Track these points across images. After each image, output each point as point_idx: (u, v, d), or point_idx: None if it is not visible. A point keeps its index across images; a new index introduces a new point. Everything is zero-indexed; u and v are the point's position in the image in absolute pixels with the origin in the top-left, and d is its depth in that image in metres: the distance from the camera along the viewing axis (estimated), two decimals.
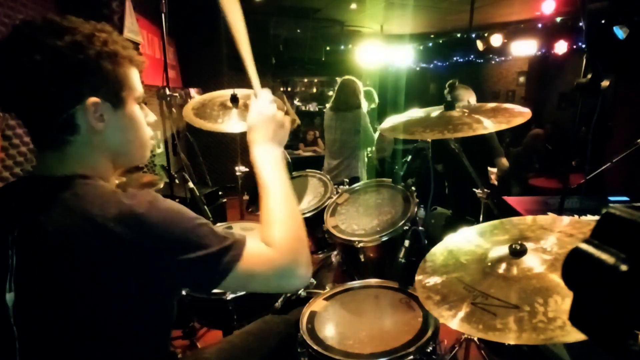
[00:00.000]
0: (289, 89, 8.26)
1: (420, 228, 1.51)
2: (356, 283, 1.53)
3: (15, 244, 0.72)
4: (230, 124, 1.91)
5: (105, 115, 0.80)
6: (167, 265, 0.75)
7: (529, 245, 1.06)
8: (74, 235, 0.71)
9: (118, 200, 0.74)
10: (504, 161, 2.79)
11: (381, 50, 6.25)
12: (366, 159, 3.75)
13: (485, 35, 6.05)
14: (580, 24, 1.24)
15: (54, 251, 0.72)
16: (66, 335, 0.75)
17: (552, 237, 1.09)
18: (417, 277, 1.16)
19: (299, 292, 1.83)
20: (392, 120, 1.71)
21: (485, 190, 1.71)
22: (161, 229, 0.74)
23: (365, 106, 3.59)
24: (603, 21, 3.93)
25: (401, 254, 1.42)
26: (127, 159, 0.90)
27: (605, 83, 1.19)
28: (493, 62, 8.23)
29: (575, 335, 0.79)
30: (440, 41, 7.19)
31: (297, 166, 2.28)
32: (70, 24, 0.75)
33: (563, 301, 0.88)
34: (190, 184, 1.81)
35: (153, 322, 0.82)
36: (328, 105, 3.71)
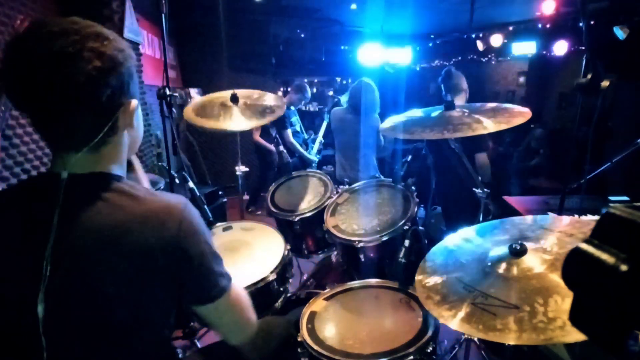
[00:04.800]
0: (289, 89, 8.25)
1: (420, 228, 1.51)
2: (356, 283, 1.53)
3: (51, 251, 0.73)
4: (231, 122, 1.90)
5: (134, 115, 0.86)
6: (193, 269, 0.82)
7: (529, 245, 1.06)
8: (115, 236, 0.75)
9: (155, 201, 0.80)
10: (484, 157, 2.68)
11: (381, 50, 6.24)
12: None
13: (485, 35, 6.05)
14: (580, 24, 1.23)
15: (93, 255, 0.75)
16: (90, 343, 0.78)
17: (552, 237, 1.08)
18: (417, 277, 1.16)
19: (299, 292, 1.82)
20: (392, 120, 1.71)
21: (486, 190, 1.71)
22: (197, 233, 0.82)
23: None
24: (603, 21, 3.94)
25: (401, 254, 1.42)
26: (131, 153, 0.94)
27: (605, 83, 1.19)
28: (493, 62, 8.22)
29: (575, 335, 0.79)
30: (440, 41, 7.18)
31: (297, 166, 2.28)
32: (113, 35, 0.80)
33: (563, 301, 0.88)
34: (190, 184, 1.80)
35: (160, 323, 0.87)
36: (343, 106, 3.46)
